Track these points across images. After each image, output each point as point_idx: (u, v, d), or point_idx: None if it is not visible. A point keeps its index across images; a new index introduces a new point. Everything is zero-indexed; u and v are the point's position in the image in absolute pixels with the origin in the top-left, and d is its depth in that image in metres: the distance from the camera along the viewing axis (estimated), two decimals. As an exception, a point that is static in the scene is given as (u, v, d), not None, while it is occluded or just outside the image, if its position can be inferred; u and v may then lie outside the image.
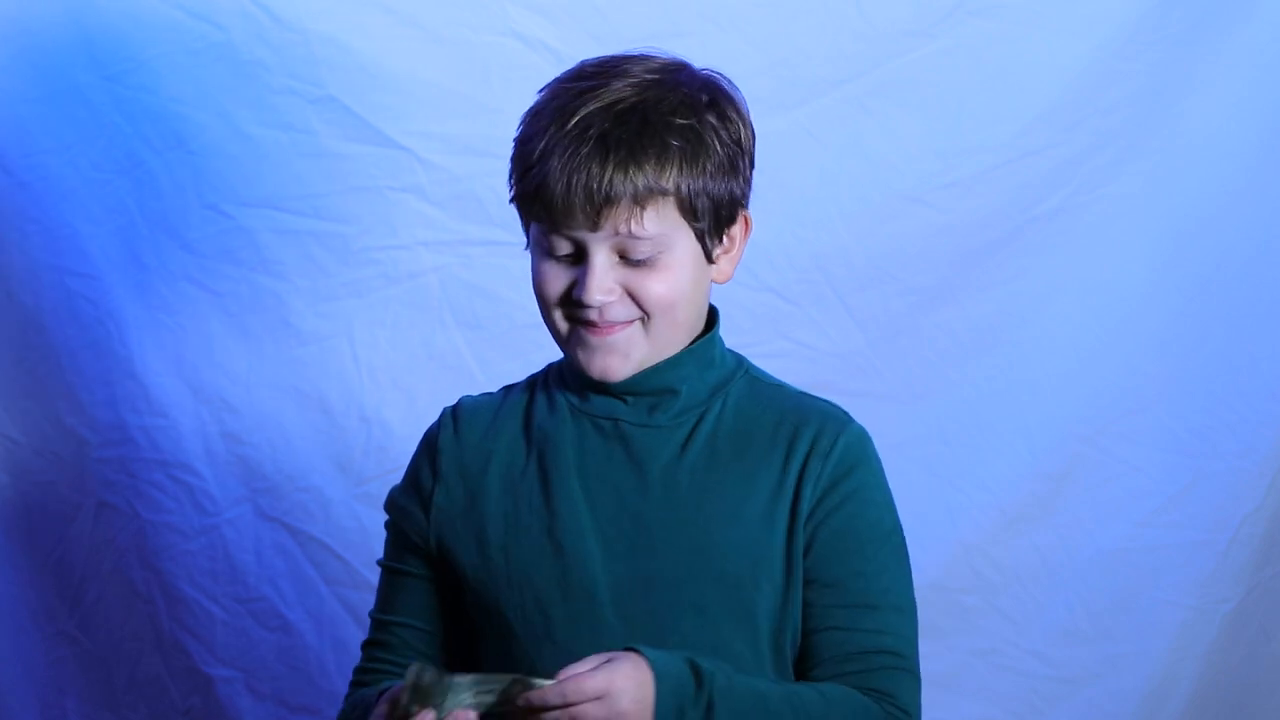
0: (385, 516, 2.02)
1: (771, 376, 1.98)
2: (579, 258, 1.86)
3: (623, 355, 1.88)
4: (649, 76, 1.89)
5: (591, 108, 1.85)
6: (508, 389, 2.01)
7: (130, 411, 2.76)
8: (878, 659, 1.87)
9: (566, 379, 1.95)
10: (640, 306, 1.87)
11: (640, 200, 1.83)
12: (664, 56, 1.92)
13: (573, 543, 1.88)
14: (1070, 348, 2.92)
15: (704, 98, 1.89)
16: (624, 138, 1.83)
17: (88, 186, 2.73)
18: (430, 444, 1.98)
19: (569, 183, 1.83)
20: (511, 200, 1.92)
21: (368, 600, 2.80)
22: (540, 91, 1.92)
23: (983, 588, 2.92)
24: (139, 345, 2.75)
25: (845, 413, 1.94)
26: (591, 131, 1.84)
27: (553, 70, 2.72)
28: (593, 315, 1.86)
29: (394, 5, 2.74)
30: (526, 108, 1.92)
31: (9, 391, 2.75)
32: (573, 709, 1.72)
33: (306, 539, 2.80)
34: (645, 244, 1.85)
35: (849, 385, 2.80)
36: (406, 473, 2.01)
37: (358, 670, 2.01)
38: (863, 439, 1.92)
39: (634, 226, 1.84)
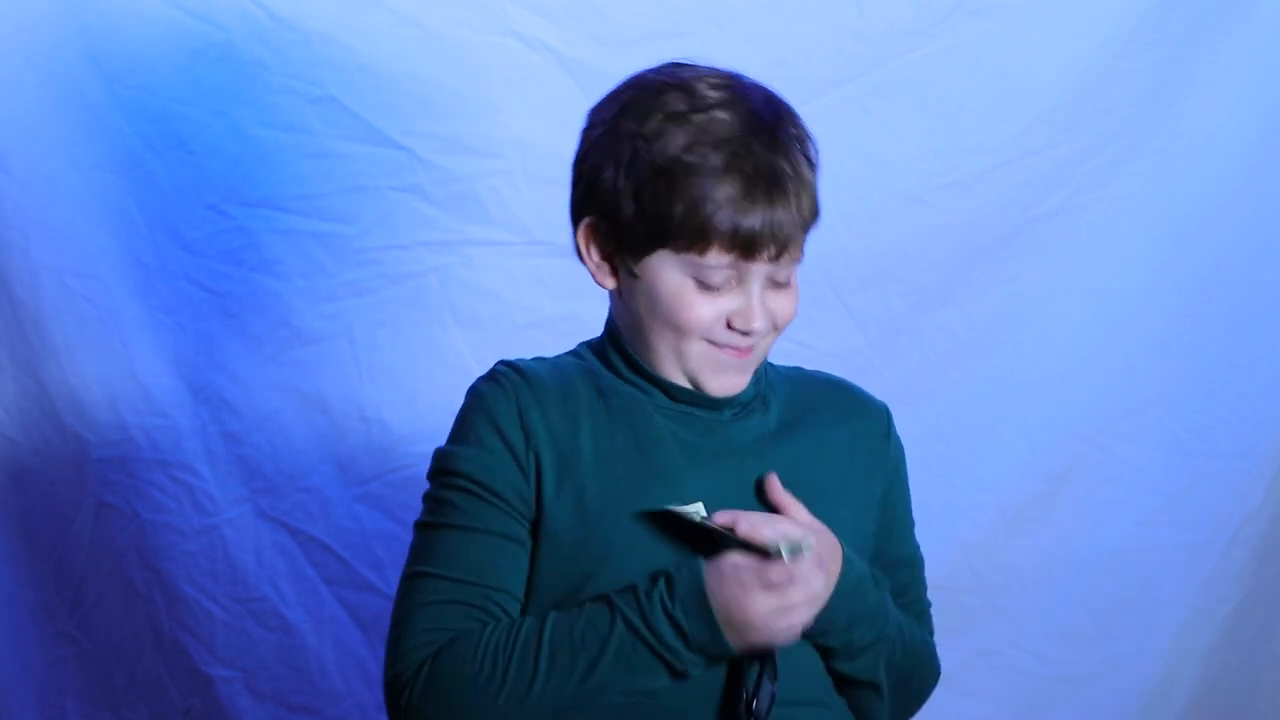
0: (422, 486, 1.91)
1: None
2: (730, 284, 1.84)
3: (749, 372, 1.90)
4: (744, 84, 1.87)
5: (736, 131, 1.82)
6: (548, 360, 1.95)
7: (130, 411, 2.76)
8: (925, 615, 2.04)
9: (619, 371, 1.91)
10: (775, 325, 1.88)
11: (807, 228, 1.85)
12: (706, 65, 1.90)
13: None
14: (1070, 348, 2.92)
15: (793, 112, 1.89)
16: (790, 170, 1.82)
17: (88, 186, 2.73)
18: (516, 397, 1.87)
19: (759, 221, 1.80)
20: (629, 229, 1.84)
21: (368, 600, 2.81)
22: (632, 111, 1.84)
23: (983, 588, 2.92)
24: (139, 345, 2.75)
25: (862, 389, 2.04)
26: (761, 162, 1.81)
27: (553, 70, 2.74)
28: (745, 341, 1.86)
29: (394, 5, 2.74)
30: (601, 128, 1.85)
31: (9, 391, 2.75)
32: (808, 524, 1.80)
33: (306, 539, 2.80)
34: (792, 268, 1.86)
35: (849, 385, 2.80)
36: (475, 431, 1.87)
37: (432, 630, 1.82)
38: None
39: (798, 253, 1.85)
